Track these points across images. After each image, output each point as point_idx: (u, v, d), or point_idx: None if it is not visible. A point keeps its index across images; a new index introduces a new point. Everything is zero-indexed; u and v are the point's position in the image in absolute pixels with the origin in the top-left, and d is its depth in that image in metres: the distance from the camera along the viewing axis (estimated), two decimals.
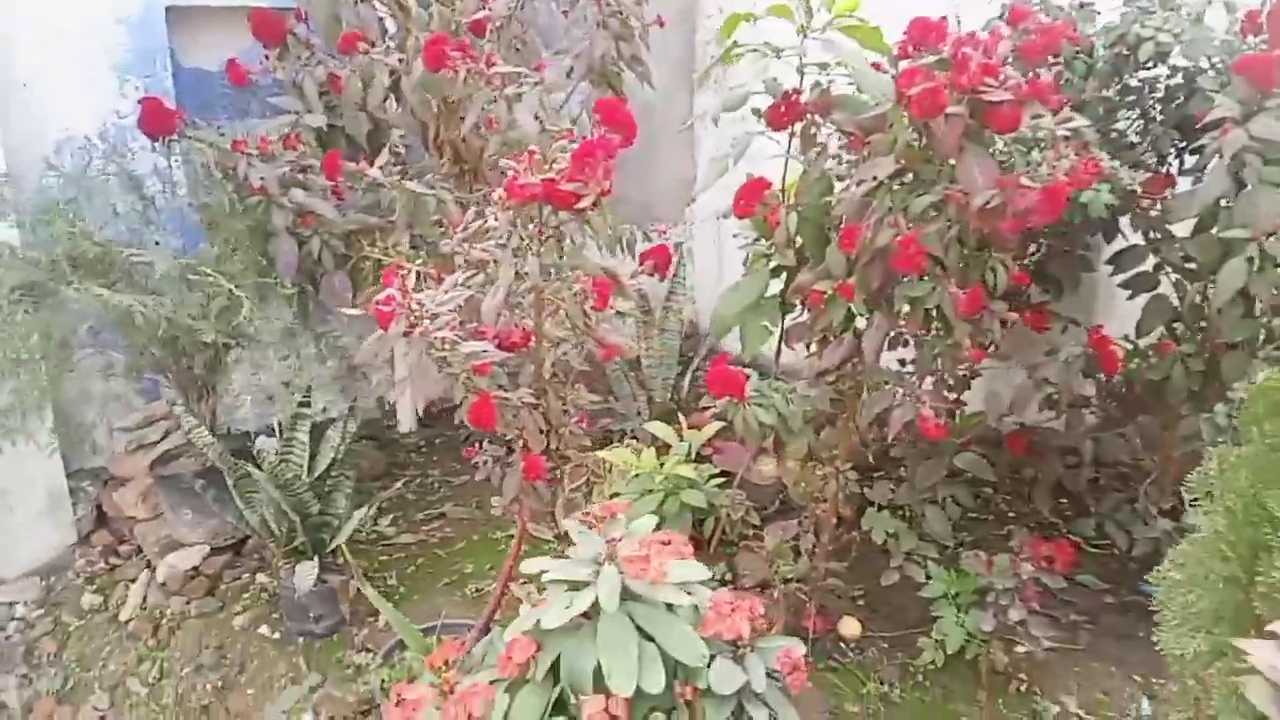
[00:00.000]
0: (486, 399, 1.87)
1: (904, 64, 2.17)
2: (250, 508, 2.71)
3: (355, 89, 3.09)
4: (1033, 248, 2.90)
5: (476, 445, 2.26)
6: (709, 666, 1.75)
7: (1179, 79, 2.69)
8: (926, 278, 2.25)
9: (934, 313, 2.28)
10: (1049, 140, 2.43)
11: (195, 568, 3.15)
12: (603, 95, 3.58)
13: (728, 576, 3.08)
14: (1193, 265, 2.71)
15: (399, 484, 3.77)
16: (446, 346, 1.87)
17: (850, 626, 2.90)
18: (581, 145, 1.86)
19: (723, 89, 2.22)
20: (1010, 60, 2.17)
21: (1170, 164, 2.78)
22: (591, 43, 3.47)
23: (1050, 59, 2.36)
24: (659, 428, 2.72)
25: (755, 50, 2.11)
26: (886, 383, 2.32)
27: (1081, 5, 2.85)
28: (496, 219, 1.88)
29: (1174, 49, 2.52)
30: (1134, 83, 2.76)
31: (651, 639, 1.71)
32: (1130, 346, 2.80)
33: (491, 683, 1.72)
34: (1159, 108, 2.73)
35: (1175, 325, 2.81)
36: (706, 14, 4.87)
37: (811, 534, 2.90)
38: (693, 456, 2.90)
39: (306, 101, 3.30)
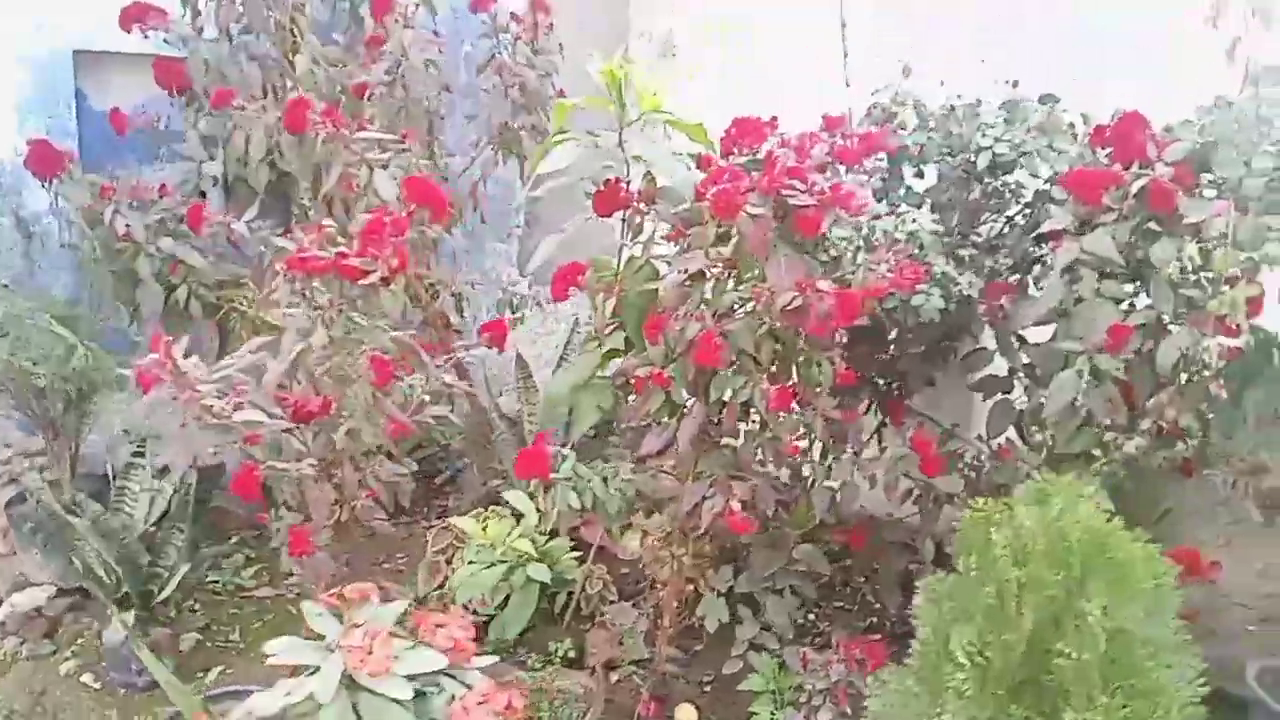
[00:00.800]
0: (249, 469, 1.86)
1: (723, 161, 2.20)
2: (76, 554, 2.68)
3: (238, 143, 3.12)
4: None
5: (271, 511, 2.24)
6: None
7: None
8: (738, 373, 2.25)
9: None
10: (885, 242, 2.47)
11: (38, 608, 3.11)
12: (505, 159, 3.64)
13: (573, 653, 3.04)
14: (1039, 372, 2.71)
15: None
16: (220, 414, 1.85)
17: (686, 714, 2.84)
18: (369, 222, 1.86)
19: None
20: (830, 164, 2.20)
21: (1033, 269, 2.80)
22: (490, 113, 3.53)
23: (874, 163, 2.38)
24: (515, 497, 2.69)
25: (574, 138, 2.13)
26: (702, 473, 2.31)
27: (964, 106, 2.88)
28: (280, 289, 1.88)
29: (1014, 159, 2.55)
30: (998, 185, 2.78)
31: None
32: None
33: None
34: (1018, 214, 2.75)
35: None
36: None
37: (652, 617, 2.87)
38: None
39: (207, 150, 3.34)
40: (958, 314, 2.65)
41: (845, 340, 2.85)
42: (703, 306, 2.16)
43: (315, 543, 2.03)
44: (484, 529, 2.79)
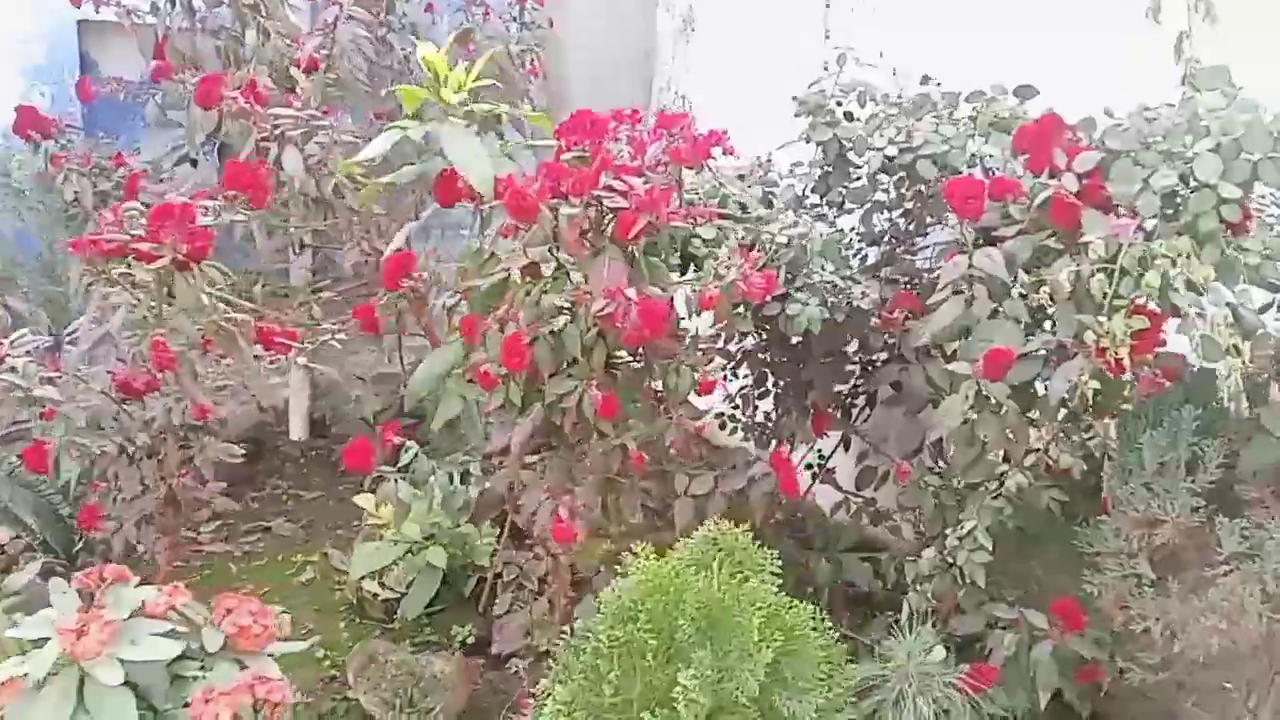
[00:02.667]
0: (39, 445, 1.91)
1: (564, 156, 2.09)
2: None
3: (195, 115, 3.20)
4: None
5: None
6: None
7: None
8: (569, 377, 2.16)
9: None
10: (760, 245, 2.31)
11: (1, 546, 3.33)
12: None
13: (474, 639, 3.02)
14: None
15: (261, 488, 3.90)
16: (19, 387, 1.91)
17: None
18: (157, 207, 1.87)
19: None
20: (665, 164, 2.06)
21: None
22: None
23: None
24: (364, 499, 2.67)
25: (400, 126, 2.06)
26: (520, 482, 2.24)
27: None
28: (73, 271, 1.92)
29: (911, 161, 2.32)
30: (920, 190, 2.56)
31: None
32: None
33: None
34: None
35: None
36: (662, 60, 4.81)
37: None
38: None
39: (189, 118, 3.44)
40: (853, 325, 2.46)
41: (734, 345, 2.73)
42: (527, 306, 2.07)
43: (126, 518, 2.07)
44: (377, 509, 2.80)
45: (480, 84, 2.06)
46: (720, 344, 2.58)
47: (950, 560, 2.28)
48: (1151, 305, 1.96)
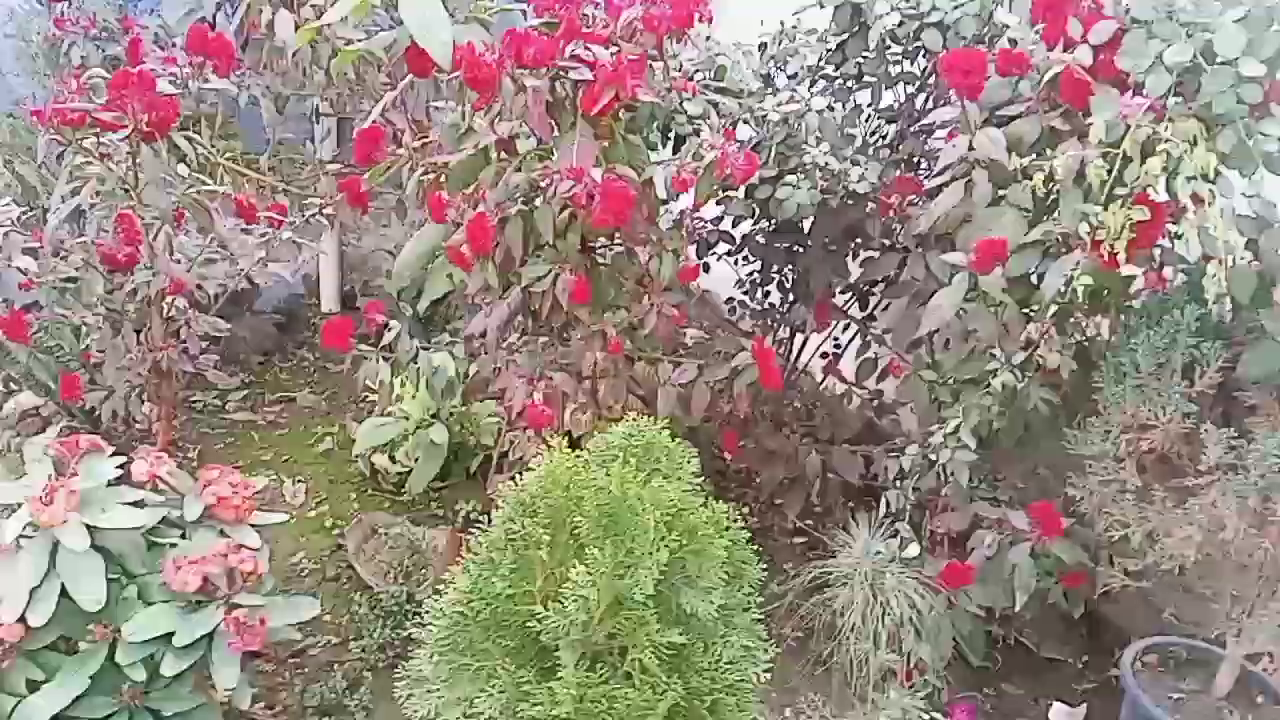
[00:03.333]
0: (16, 314, 1.95)
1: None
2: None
3: None
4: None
5: None
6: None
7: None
8: (544, 260, 2.11)
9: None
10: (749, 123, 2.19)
11: (36, 408, 3.47)
12: None
13: (478, 514, 3.08)
14: None
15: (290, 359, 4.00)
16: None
17: None
18: (116, 74, 1.84)
19: None
20: (639, 33, 1.93)
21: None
22: None
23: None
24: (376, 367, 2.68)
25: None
26: (498, 366, 2.22)
27: None
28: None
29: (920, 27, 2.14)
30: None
31: None
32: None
33: None
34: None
35: None
36: None
37: None
38: None
39: None
40: (851, 211, 2.34)
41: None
42: (495, 185, 2.01)
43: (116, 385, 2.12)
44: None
45: None
46: (725, 227, 2.49)
47: (934, 458, 2.22)
48: (1155, 195, 1.82)
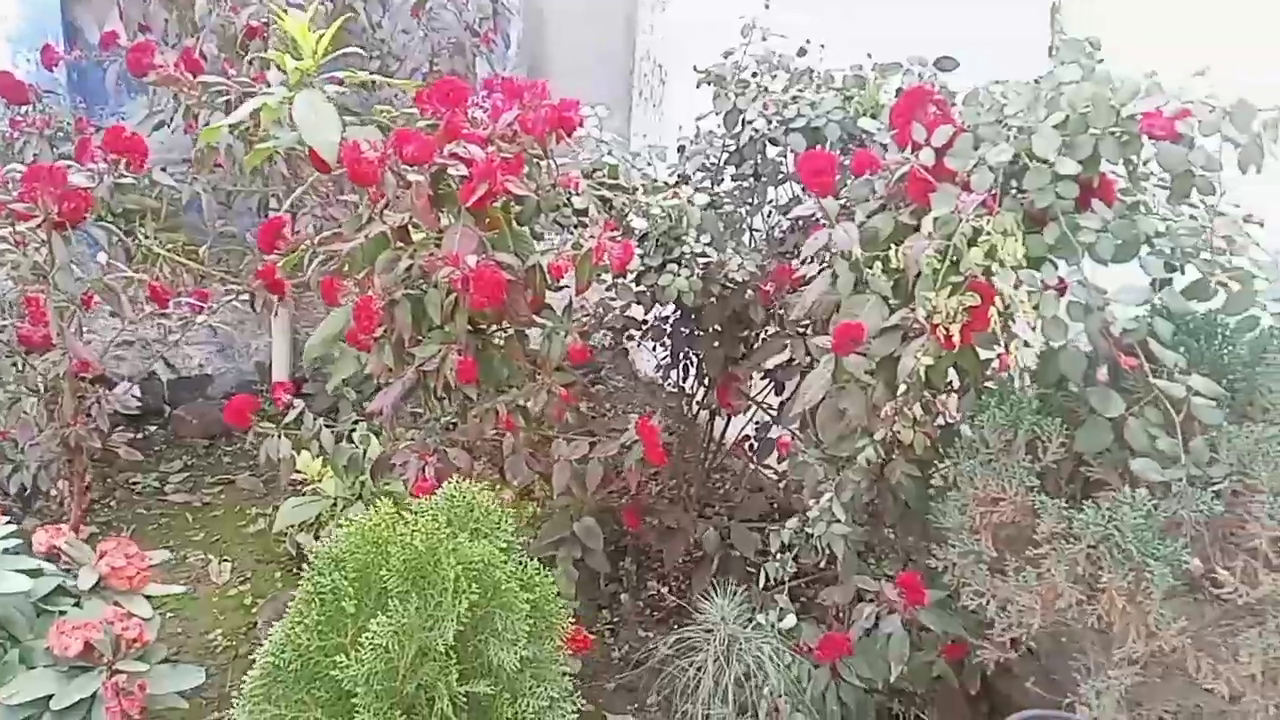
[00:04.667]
0: None
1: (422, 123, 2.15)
2: None
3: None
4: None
5: None
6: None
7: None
8: (431, 342, 2.23)
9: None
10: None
11: None
12: None
13: None
14: None
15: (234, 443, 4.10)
16: None
17: None
18: (30, 168, 1.99)
19: None
20: (516, 134, 2.10)
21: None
22: (407, 57, 3.58)
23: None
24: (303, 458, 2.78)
25: (267, 95, 2.13)
26: (400, 438, 2.32)
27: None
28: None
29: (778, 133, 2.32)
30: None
31: None
32: None
33: None
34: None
35: None
36: (642, 30, 4.81)
37: None
38: None
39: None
40: (734, 299, 2.48)
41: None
42: (383, 270, 2.15)
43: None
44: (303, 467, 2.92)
45: (343, 51, 2.13)
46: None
47: (810, 531, 2.31)
48: (992, 282, 1.95)
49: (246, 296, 2.82)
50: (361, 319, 2.09)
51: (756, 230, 2.83)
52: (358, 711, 1.28)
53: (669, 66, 4.54)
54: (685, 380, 3.02)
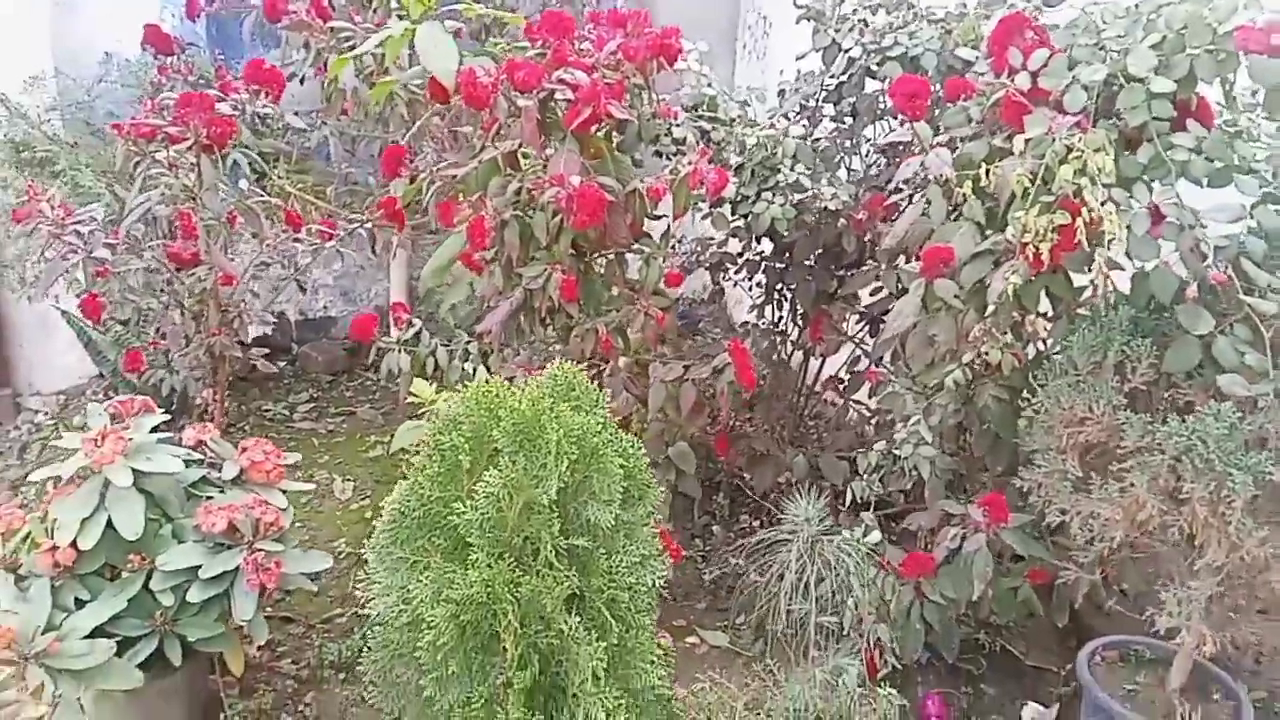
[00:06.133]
0: (92, 297, 2.31)
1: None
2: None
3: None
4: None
5: None
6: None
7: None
8: (538, 262, 2.38)
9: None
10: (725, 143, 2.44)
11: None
12: None
13: None
14: None
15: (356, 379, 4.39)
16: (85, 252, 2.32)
17: None
18: (182, 95, 2.21)
19: None
20: (620, 62, 2.22)
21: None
22: (519, 6, 3.73)
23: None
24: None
25: (389, 31, 2.30)
26: (503, 359, 2.48)
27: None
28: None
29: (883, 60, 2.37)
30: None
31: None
32: None
33: None
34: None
35: None
36: None
37: None
38: None
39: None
40: (829, 230, 2.56)
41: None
42: (494, 193, 2.30)
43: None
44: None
45: None
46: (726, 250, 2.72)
47: (898, 453, 2.38)
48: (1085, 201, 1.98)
49: (367, 236, 3.03)
50: (475, 237, 2.25)
51: (853, 170, 2.88)
52: (473, 554, 1.43)
53: (773, 17, 4.58)
54: (779, 318, 3.10)
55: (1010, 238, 2.03)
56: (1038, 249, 1.98)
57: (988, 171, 2.13)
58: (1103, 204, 1.87)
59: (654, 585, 1.51)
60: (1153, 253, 1.97)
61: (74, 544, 2.04)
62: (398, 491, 1.51)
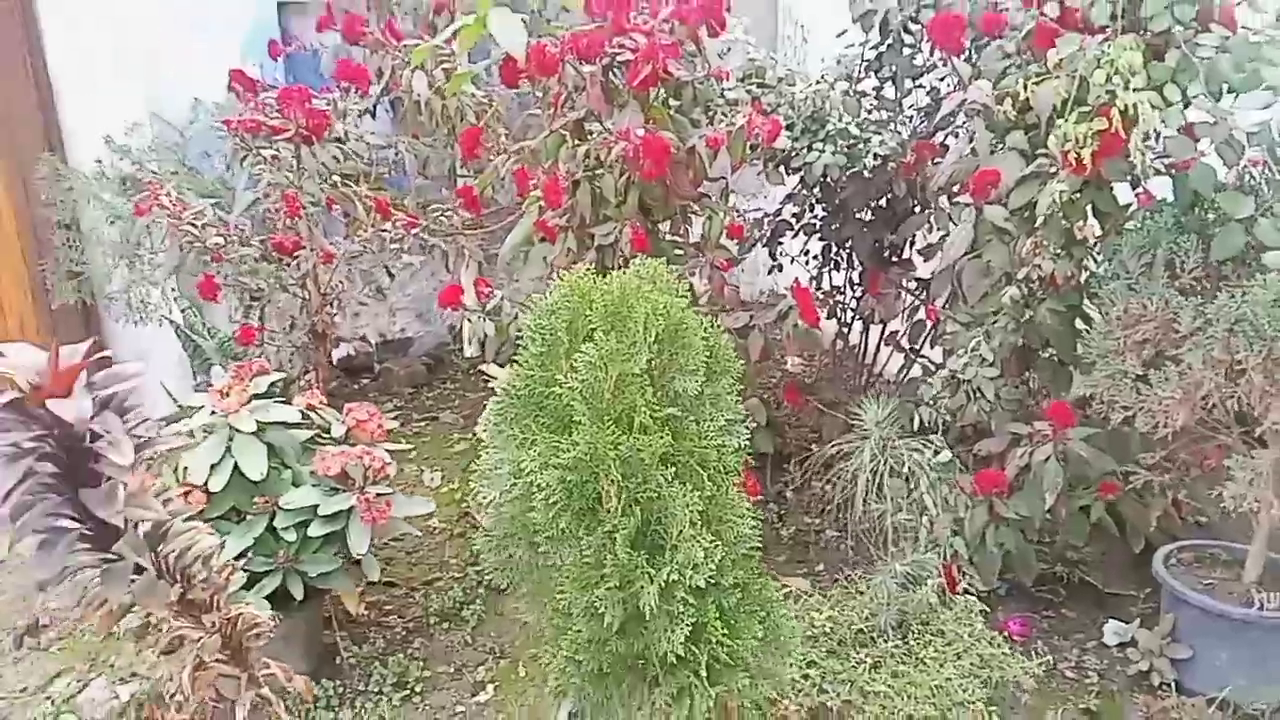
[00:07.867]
0: (209, 278, 2.55)
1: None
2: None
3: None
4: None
5: None
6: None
7: None
8: (608, 220, 2.56)
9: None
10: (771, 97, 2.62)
11: None
12: None
13: None
14: None
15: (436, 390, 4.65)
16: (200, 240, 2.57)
17: None
18: (283, 89, 2.46)
19: None
20: (674, 26, 2.42)
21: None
22: None
23: None
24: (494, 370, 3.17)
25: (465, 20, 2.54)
26: None
27: None
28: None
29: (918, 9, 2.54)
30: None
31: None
32: None
33: None
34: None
35: None
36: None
37: None
38: None
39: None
40: (877, 177, 2.70)
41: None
42: (565, 157, 2.50)
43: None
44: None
45: None
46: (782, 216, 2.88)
47: (961, 378, 2.49)
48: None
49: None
50: (550, 196, 2.44)
51: (900, 128, 3.03)
52: (577, 423, 1.59)
53: (810, 24, 4.79)
54: (837, 278, 3.24)
55: (1053, 148, 2.16)
56: (1079, 156, 2.10)
57: (1026, 88, 2.26)
58: (1135, 102, 2.00)
59: (739, 448, 1.65)
60: (1189, 148, 2.09)
61: (204, 489, 2.24)
62: (505, 374, 1.67)
